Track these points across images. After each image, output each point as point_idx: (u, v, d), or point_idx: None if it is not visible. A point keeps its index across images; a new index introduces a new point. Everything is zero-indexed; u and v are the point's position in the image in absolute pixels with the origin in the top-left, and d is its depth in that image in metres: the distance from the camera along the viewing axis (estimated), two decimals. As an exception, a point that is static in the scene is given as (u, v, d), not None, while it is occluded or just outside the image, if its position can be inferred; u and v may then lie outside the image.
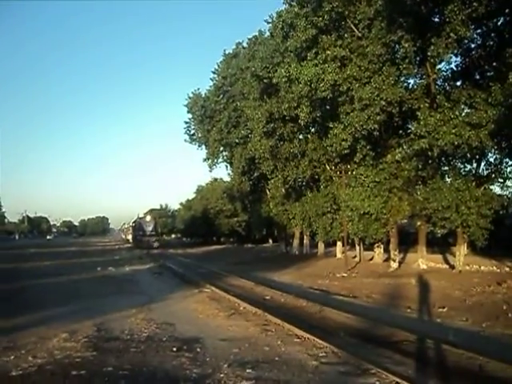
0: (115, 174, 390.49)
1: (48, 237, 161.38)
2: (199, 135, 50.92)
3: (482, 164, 26.50)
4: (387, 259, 30.36)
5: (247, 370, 8.47)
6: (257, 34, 41.84)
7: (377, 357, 9.51)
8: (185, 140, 52.31)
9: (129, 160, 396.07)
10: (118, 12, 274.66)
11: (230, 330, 12.19)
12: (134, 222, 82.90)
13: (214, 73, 47.44)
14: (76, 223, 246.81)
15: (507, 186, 26.29)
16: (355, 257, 34.84)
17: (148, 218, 72.99)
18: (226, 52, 46.12)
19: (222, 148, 49.34)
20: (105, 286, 22.35)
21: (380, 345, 10.71)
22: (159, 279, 25.75)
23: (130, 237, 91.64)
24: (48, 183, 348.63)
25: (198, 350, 10.15)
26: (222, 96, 46.12)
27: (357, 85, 24.19)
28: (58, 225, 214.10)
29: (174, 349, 10.21)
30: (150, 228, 70.17)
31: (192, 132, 51.65)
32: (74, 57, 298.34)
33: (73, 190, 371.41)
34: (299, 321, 13.26)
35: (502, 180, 26.04)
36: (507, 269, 25.71)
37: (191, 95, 49.36)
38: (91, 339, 11.26)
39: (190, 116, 50.73)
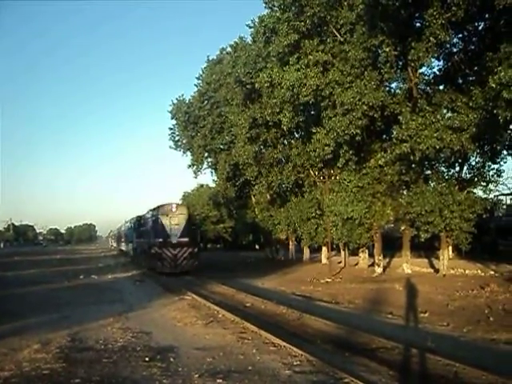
0: (101, 181, 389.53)
1: (43, 244, 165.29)
2: (183, 141, 50.51)
3: (465, 168, 26.70)
4: (372, 264, 30.28)
5: (218, 380, 8.26)
6: (238, 40, 41.68)
7: (352, 365, 9.34)
8: (170, 146, 51.90)
9: (115, 167, 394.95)
10: (106, 17, 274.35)
11: (206, 339, 11.96)
12: (139, 217, 44.65)
13: (198, 79, 47.20)
14: (62, 231, 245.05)
15: (490, 190, 26.45)
16: (340, 262, 34.77)
17: (174, 206, 34.22)
18: (210, 58, 45.97)
19: (206, 154, 49.01)
20: (85, 294, 22.00)
21: (357, 352, 10.53)
22: (141, 287, 25.42)
23: (125, 246, 61.68)
24: (34, 191, 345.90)
25: (172, 359, 9.92)
26: (206, 102, 45.83)
27: (339, 89, 24.14)
28: (45, 232, 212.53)
29: (147, 359, 9.96)
30: (181, 227, 32.94)
31: (176, 138, 51.25)
32: (63, 65, 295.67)
33: (59, 197, 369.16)
34: (277, 328, 13.11)
35: (484, 183, 26.23)
36: (491, 272, 25.73)
37: (175, 101, 49.11)
38: (63, 350, 10.97)
39: (174, 122, 50.44)
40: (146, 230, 38.57)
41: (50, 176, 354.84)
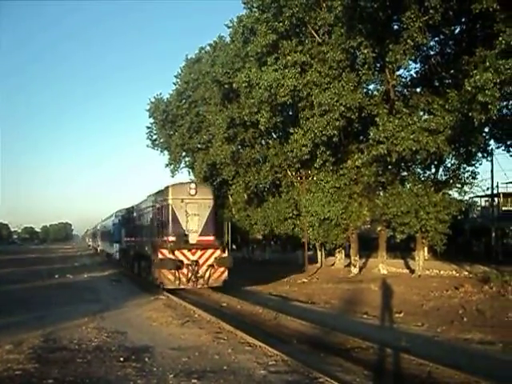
0: (78, 180, 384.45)
1: (19, 243, 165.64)
2: (161, 140, 50.32)
3: (441, 169, 27.00)
4: (348, 264, 30.48)
5: (193, 380, 8.19)
6: (217, 39, 41.67)
7: (327, 365, 9.37)
8: (147, 145, 51.68)
9: (92, 165, 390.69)
10: (90, 22, 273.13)
11: (181, 339, 11.88)
12: (131, 208, 31.87)
13: (176, 77, 47.00)
14: (38, 229, 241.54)
15: (465, 191, 26.77)
16: (317, 262, 34.90)
17: (192, 187, 21.65)
18: (189, 57, 45.77)
19: (183, 153, 48.89)
20: (60, 294, 21.66)
21: (332, 352, 10.57)
22: (117, 287, 25.17)
23: (107, 247, 49.82)
24: (8, 190, 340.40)
25: (146, 359, 9.82)
26: (184, 101, 45.52)
27: (316, 90, 24.25)
28: (19, 231, 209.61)
29: (122, 359, 9.83)
30: (203, 220, 21.34)
31: (154, 137, 51.03)
32: (50, 69, 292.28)
33: (34, 196, 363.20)
34: (253, 328, 13.10)
35: (459, 185, 26.50)
36: (466, 273, 26.07)
37: (153, 100, 48.82)
38: (36, 350, 10.76)
39: (151, 121, 50.15)
40: (144, 225, 26.78)
41: (26, 174, 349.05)
